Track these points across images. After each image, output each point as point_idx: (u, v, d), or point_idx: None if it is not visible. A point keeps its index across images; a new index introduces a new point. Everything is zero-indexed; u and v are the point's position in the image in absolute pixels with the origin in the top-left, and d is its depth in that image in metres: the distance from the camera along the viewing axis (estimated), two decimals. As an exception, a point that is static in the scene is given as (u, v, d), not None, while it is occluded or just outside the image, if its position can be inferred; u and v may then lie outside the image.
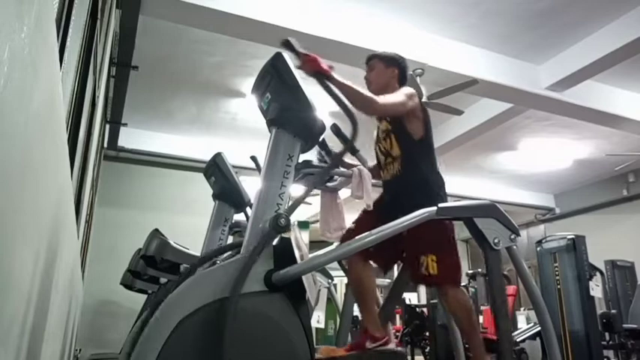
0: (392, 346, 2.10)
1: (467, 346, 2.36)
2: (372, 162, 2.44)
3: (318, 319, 3.07)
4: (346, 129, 1.91)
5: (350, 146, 1.76)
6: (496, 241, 1.68)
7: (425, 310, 6.29)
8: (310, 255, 1.57)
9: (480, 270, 6.82)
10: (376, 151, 2.35)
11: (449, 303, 2.10)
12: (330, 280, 3.50)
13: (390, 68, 2.32)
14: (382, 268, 2.30)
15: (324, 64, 1.73)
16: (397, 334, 6.29)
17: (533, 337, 6.33)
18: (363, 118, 1.76)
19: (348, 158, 2.47)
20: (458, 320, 2.14)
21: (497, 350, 1.68)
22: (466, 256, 12.20)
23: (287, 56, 1.67)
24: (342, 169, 2.47)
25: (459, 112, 5.48)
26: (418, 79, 4.83)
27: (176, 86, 6.02)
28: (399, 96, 2.10)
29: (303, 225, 6.58)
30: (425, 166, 2.17)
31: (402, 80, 2.36)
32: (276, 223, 1.47)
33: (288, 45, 1.72)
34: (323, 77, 1.71)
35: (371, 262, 2.16)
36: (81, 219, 3.08)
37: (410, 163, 2.16)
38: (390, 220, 1.65)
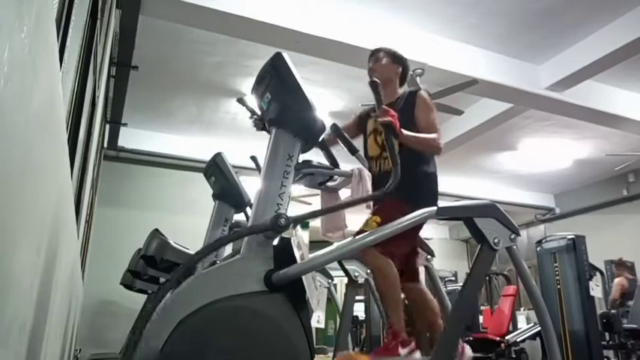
0: (418, 354, 2.03)
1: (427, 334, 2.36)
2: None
3: (318, 319, 3.06)
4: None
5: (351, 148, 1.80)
6: (496, 241, 1.68)
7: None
8: (310, 255, 1.57)
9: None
10: (369, 143, 2.35)
11: (367, 263, 2.08)
12: (330, 280, 3.50)
13: (395, 65, 2.36)
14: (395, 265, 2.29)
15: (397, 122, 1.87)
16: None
17: (533, 337, 6.34)
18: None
19: (348, 158, 2.47)
20: (378, 290, 2.14)
21: (430, 338, 1.68)
22: (466, 256, 12.21)
23: (287, 56, 1.67)
24: (342, 169, 2.47)
25: (459, 112, 5.49)
26: (418, 79, 4.83)
27: (176, 86, 6.02)
28: (435, 121, 2.19)
29: (303, 225, 6.58)
30: (422, 160, 2.17)
31: (403, 80, 2.39)
32: (276, 223, 1.47)
33: (376, 88, 1.83)
34: (393, 132, 1.83)
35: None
36: (81, 219, 3.08)
37: (406, 159, 2.16)
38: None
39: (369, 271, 3.12)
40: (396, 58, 2.37)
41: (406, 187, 1.91)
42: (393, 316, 2.03)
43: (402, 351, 1.91)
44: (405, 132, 1.95)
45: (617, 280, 6.60)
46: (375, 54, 2.40)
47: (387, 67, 2.34)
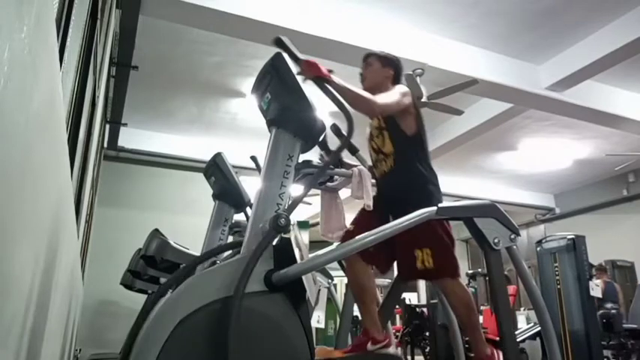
0: (392, 348, 2.10)
1: (467, 345, 2.35)
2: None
3: (318, 319, 3.07)
4: (345, 129, 1.92)
5: (347, 143, 1.77)
6: (496, 241, 1.68)
7: (425, 310, 6.30)
8: (310, 255, 1.57)
9: (480, 270, 6.83)
10: (369, 149, 2.36)
11: (448, 296, 2.10)
12: (330, 280, 3.50)
13: (386, 68, 2.35)
14: (381, 269, 2.29)
15: (324, 68, 1.73)
16: (397, 334, 6.29)
17: (533, 337, 6.34)
18: (359, 117, 1.76)
19: (348, 158, 2.47)
20: (457, 315, 2.14)
21: (502, 350, 1.68)
22: (466, 256, 12.20)
23: (287, 56, 1.67)
24: (342, 169, 2.47)
25: (459, 112, 5.48)
26: (418, 79, 4.83)
27: (176, 86, 6.02)
28: (394, 95, 2.11)
29: (303, 225, 6.58)
30: (418, 161, 2.17)
31: (396, 83, 2.38)
32: (276, 223, 1.47)
33: (280, 44, 1.71)
34: (323, 81, 1.72)
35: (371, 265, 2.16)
36: (81, 219, 3.08)
37: (402, 160, 2.17)
38: (386, 217, 1.65)
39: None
40: (387, 61, 2.35)
41: (417, 193, 1.92)
42: (364, 316, 2.09)
43: (371, 347, 1.96)
44: (336, 79, 1.79)
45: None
46: (365, 59, 2.40)
47: (377, 72, 2.34)
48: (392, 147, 2.19)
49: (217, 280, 1.43)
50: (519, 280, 1.96)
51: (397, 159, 2.18)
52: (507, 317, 1.67)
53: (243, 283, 1.36)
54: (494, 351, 2.00)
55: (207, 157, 3.04)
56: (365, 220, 2.09)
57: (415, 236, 1.97)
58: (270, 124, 1.70)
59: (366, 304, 2.11)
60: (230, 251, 2.14)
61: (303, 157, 1.83)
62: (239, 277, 1.38)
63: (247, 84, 5.75)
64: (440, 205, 1.71)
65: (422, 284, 9.87)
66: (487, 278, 7.63)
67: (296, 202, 1.59)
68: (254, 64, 5.21)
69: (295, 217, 1.68)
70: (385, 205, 2.10)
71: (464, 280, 8.62)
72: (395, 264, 2.31)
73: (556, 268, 5.03)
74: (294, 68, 1.67)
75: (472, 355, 2.16)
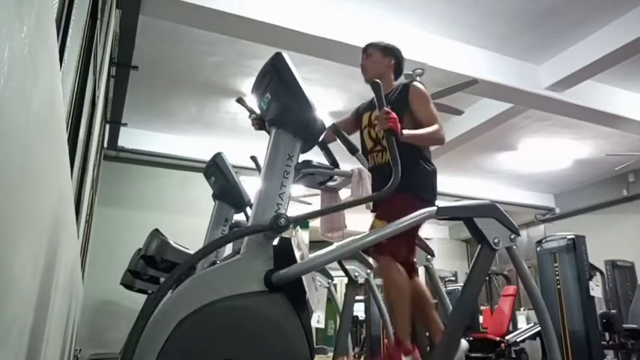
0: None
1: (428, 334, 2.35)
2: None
3: (318, 319, 3.07)
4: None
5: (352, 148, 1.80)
6: (496, 241, 1.68)
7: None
8: (310, 255, 1.57)
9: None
10: (364, 136, 2.35)
11: (384, 275, 2.08)
12: (330, 280, 3.50)
13: (387, 58, 2.34)
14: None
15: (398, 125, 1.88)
16: (397, 334, 6.28)
17: (533, 337, 6.34)
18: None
19: (349, 158, 2.47)
20: (385, 296, 2.13)
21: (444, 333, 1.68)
22: (466, 256, 12.20)
23: (287, 56, 1.67)
24: (342, 169, 2.47)
25: (459, 112, 5.49)
26: (418, 79, 4.83)
27: (176, 86, 6.02)
28: (435, 112, 2.18)
29: (303, 225, 6.58)
30: (418, 156, 2.17)
31: (398, 72, 2.37)
32: (276, 223, 1.47)
33: (376, 88, 1.83)
34: (393, 135, 1.83)
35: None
36: (81, 219, 3.08)
37: (401, 153, 2.15)
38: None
39: (368, 271, 3.13)
40: (387, 51, 2.34)
41: (406, 181, 1.91)
42: (399, 325, 2.03)
43: (404, 359, 1.91)
44: (406, 132, 1.95)
45: None
46: (365, 50, 2.38)
47: (378, 62, 2.32)
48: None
49: (217, 281, 1.43)
50: (519, 280, 1.96)
51: (400, 151, 2.16)
52: (464, 313, 1.69)
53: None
54: (410, 345, 1.97)
55: (207, 157, 3.04)
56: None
57: (389, 208, 2.00)
58: (270, 124, 1.70)
59: (403, 310, 2.03)
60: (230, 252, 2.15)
61: (303, 157, 1.83)
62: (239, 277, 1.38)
63: (247, 84, 5.75)
64: (440, 205, 1.71)
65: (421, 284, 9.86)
66: (486, 278, 7.63)
67: (302, 218, 1.58)
68: (254, 64, 5.21)
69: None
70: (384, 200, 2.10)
71: (463, 280, 8.61)
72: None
73: (556, 268, 5.03)
74: (295, 70, 1.67)
75: (473, 355, 2.16)
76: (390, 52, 2.35)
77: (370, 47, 2.38)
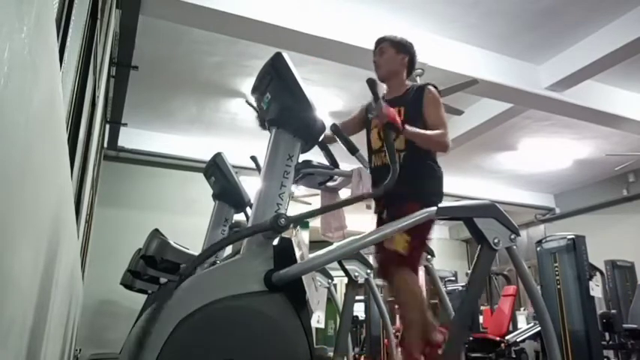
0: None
1: (466, 345, 2.33)
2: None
3: (318, 319, 3.06)
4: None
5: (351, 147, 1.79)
6: (496, 241, 1.68)
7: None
8: (310, 255, 1.57)
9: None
10: (372, 136, 2.32)
11: (399, 289, 2.03)
12: (330, 280, 3.50)
13: (400, 55, 2.27)
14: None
15: (398, 119, 1.86)
16: (397, 334, 6.29)
17: (533, 337, 6.34)
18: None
19: (349, 158, 2.47)
20: (401, 309, 2.07)
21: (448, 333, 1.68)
22: (466, 256, 12.19)
23: (287, 56, 1.67)
24: (342, 169, 2.47)
25: (459, 112, 5.48)
26: (418, 79, 4.83)
27: (176, 86, 6.02)
28: (445, 119, 2.14)
29: (303, 225, 6.57)
30: (427, 157, 2.15)
31: (411, 68, 2.31)
32: (276, 223, 1.47)
33: (372, 86, 1.82)
34: (394, 129, 1.82)
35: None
36: (81, 219, 3.08)
37: (412, 156, 2.13)
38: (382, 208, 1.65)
39: (368, 271, 3.12)
40: (401, 47, 2.26)
41: (420, 189, 1.91)
42: (411, 335, 1.97)
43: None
44: (409, 128, 1.92)
45: None
46: (378, 45, 2.30)
47: (392, 59, 2.26)
48: (404, 144, 2.13)
49: (217, 281, 1.43)
50: (519, 280, 1.96)
51: (408, 155, 2.13)
52: (468, 313, 1.69)
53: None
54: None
55: (207, 157, 3.04)
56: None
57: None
58: (270, 124, 1.70)
59: (416, 323, 1.96)
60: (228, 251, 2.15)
61: (303, 157, 1.83)
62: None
63: (247, 84, 5.75)
64: (440, 205, 1.71)
65: (422, 285, 9.86)
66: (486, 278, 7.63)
67: (303, 217, 1.59)
68: (254, 64, 5.21)
69: (295, 217, 1.68)
70: (390, 201, 2.07)
71: (463, 280, 8.61)
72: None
73: (556, 268, 5.03)
74: (295, 70, 1.67)
75: (473, 355, 2.15)
76: (404, 49, 2.27)
77: (383, 42, 2.29)
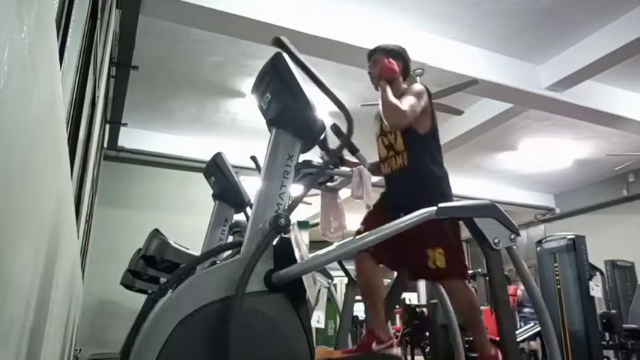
0: (396, 350, 2.09)
1: (467, 345, 2.34)
2: (374, 159, 2.42)
3: (318, 319, 3.06)
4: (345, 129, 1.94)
5: (347, 141, 1.77)
6: (496, 241, 1.67)
7: (425, 310, 6.29)
8: (310, 255, 1.57)
9: (479, 270, 6.84)
10: (379, 145, 2.33)
11: (454, 297, 2.09)
12: (330, 280, 3.50)
13: (395, 60, 2.27)
14: (391, 267, 2.29)
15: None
16: (397, 334, 6.29)
17: (533, 337, 6.33)
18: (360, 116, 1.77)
19: (349, 157, 2.47)
20: (464, 317, 2.13)
21: (503, 351, 1.67)
22: (466, 256, 12.19)
23: (287, 56, 1.67)
24: (344, 168, 2.47)
25: (459, 112, 5.48)
26: (418, 79, 4.83)
27: (176, 86, 6.02)
28: (413, 100, 2.11)
29: (303, 225, 6.57)
30: (430, 160, 2.15)
31: (406, 73, 2.33)
32: (276, 223, 1.47)
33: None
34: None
35: (381, 264, 2.15)
36: (81, 219, 3.08)
37: (415, 158, 2.14)
38: (397, 215, 1.65)
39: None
40: (394, 55, 2.28)
41: (427, 199, 1.92)
42: (372, 315, 2.08)
43: (376, 347, 1.95)
44: (384, 85, 2.09)
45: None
46: (371, 56, 2.33)
47: None
48: (403, 145, 2.15)
49: (217, 281, 1.43)
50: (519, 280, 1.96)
51: (410, 157, 2.15)
52: (508, 317, 1.67)
53: (243, 286, 1.36)
54: (498, 351, 2.00)
55: (207, 157, 3.04)
56: (373, 220, 2.07)
57: (427, 235, 1.96)
58: (270, 124, 1.70)
59: (374, 303, 2.09)
60: (230, 251, 2.15)
61: (303, 157, 1.83)
62: (239, 279, 1.37)
63: (247, 84, 5.75)
64: (440, 205, 1.71)
65: (422, 284, 9.87)
66: (487, 278, 7.63)
67: (295, 203, 1.59)
68: (254, 64, 5.21)
69: (295, 217, 1.69)
70: (396, 204, 2.07)
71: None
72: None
73: (556, 268, 5.03)
74: (295, 70, 1.67)
75: (473, 355, 2.16)
76: (398, 56, 2.28)
77: (376, 53, 2.32)
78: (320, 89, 1.64)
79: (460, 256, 2.07)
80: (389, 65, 2.16)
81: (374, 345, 1.95)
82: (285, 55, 1.66)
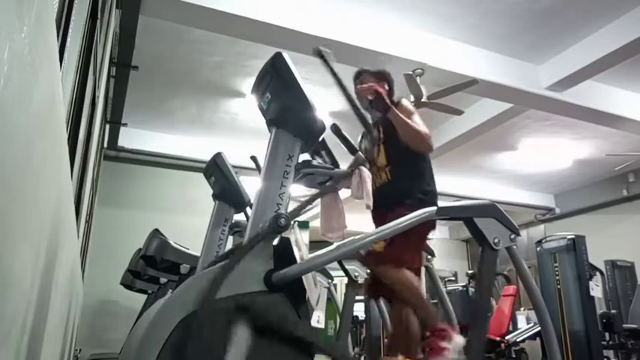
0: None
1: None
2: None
3: (318, 319, 3.06)
4: (345, 129, 1.96)
5: (370, 156, 1.83)
6: (496, 241, 1.68)
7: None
8: (310, 255, 1.57)
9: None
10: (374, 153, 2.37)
11: (390, 281, 2.08)
12: (330, 280, 3.50)
13: (381, 83, 2.39)
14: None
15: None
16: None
17: (533, 337, 6.34)
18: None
19: (349, 157, 2.47)
20: (404, 297, 2.11)
21: (466, 353, 1.67)
22: (466, 256, 12.20)
23: (287, 56, 1.67)
24: (341, 169, 2.47)
25: (459, 112, 5.48)
26: (418, 79, 4.83)
27: (176, 86, 6.02)
28: (418, 119, 2.21)
29: (303, 225, 6.57)
30: (416, 174, 2.18)
31: (391, 94, 2.43)
32: (276, 223, 1.47)
33: (322, 58, 1.86)
34: (383, 103, 1.96)
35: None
36: (81, 219, 3.08)
37: (397, 173, 2.20)
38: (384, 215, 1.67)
39: (368, 270, 3.12)
40: (381, 76, 2.42)
41: (409, 201, 1.92)
42: (425, 315, 2.04)
43: (448, 345, 1.87)
44: (396, 111, 2.07)
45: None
46: (359, 77, 2.47)
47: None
48: (385, 160, 2.22)
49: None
50: (519, 280, 1.96)
51: (392, 172, 2.22)
52: (484, 320, 1.69)
53: (218, 283, 1.36)
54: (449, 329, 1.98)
55: (207, 157, 3.03)
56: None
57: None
58: (270, 124, 1.69)
59: (422, 302, 2.07)
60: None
61: (303, 157, 1.83)
62: (218, 274, 1.38)
63: (247, 84, 5.75)
64: (440, 205, 1.71)
65: (422, 284, 9.85)
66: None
67: (298, 210, 1.59)
68: (254, 64, 5.21)
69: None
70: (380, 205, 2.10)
71: (463, 280, 8.61)
72: None
73: (556, 268, 5.03)
74: (295, 70, 1.67)
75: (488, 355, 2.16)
76: (384, 78, 2.43)
77: (363, 74, 2.47)
78: (350, 106, 1.68)
79: (406, 247, 2.03)
80: (381, 89, 2.22)
81: (446, 345, 1.87)
82: (286, 57, 1.66)
